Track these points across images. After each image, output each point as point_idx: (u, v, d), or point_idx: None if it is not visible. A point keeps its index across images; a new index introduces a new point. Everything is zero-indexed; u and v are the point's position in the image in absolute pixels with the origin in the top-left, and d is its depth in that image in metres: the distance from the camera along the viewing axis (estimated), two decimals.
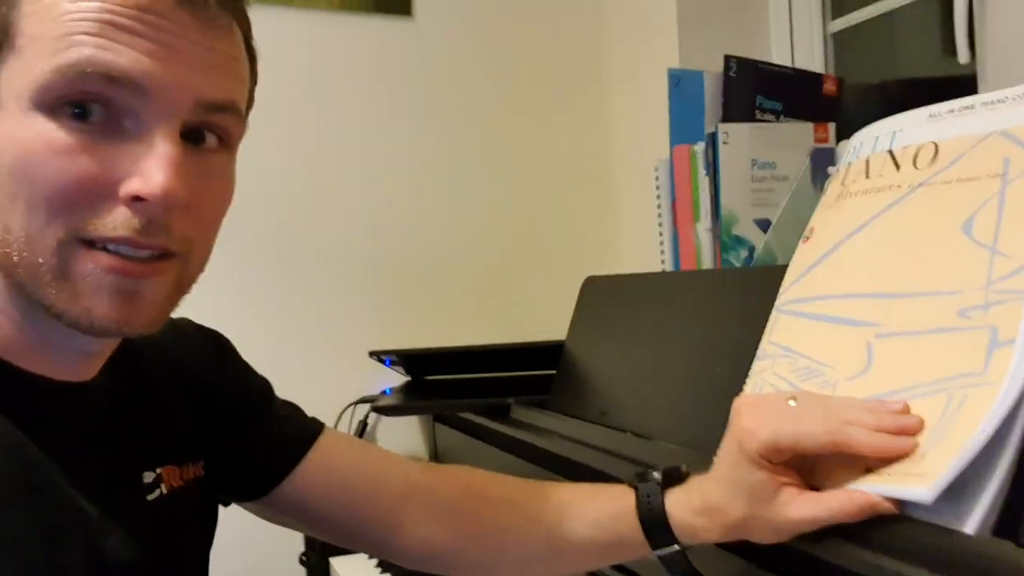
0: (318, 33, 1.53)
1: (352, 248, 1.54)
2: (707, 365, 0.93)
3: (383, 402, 1.28)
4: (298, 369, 1.46)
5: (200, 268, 0.59)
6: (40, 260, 0.52)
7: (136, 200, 0.52)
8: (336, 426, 1.41)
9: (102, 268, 0.52)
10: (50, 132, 0.50)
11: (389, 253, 1.55)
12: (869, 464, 0.57)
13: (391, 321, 1.54)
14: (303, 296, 1.50)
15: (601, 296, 1.21)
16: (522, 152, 1.66)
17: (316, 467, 0.76)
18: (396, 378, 1.47)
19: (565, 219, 1.67)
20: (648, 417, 0.97)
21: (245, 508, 0.78)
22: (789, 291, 0.76)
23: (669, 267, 1.46)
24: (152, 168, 0.51)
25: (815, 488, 0.60)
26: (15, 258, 0.53)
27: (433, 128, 1.60)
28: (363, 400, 1.43)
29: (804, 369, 0.69)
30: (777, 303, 0.76)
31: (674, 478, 0.68)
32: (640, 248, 1.60)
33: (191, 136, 0.54)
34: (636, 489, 0.69)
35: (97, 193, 0.52)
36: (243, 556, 1.37)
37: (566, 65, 1.70)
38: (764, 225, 1.32)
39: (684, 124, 1.38)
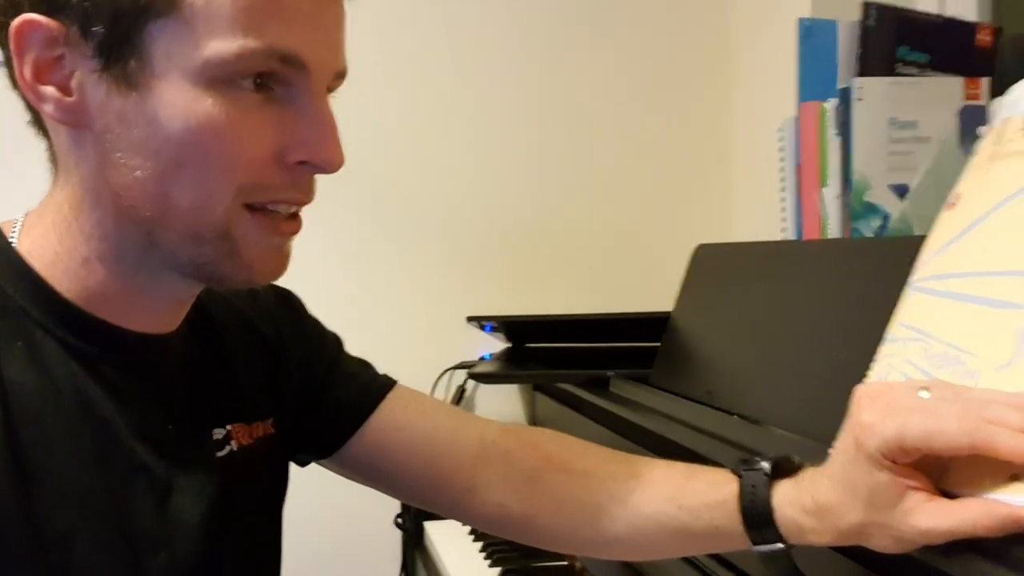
0: None
1: (454, 210, 1.50)
2: (829, 345, 0.84)
3: (480, 368, 1.25)
4: (397, 332, 1.45)
5: None
6: (205, 224, 0.54)
7: (302, 164, 0.55)
8: (433, 390, 1.39)
9: (266, 229, 0.56)
10: (223, 106, 0.52)
11: (493, 216, 1.51)
12: (1015, 471, 0.49)
13: (493, 286, 1.50)
14: (403, 258, 1.48)
15: (713, 266, 1.13)
16: (637, 110, 1.57)
17: (384, 425, 0.74)
18: (496, 344, 1.44)
19: (680, 182, 1.58)
20: (759, 400, 0.89)
21: (321, 466, 0.77)
22: (927, 265, 0.66)
23: (791, 236, 1.35)
24: (326, 140, 0.55)
25: (947, 494, 0.52)
26: (171, 221, 0.54)
27: (542, 86, 1.54)
28: (460, 366, 1.40)
29: (940, 355, 0.60)
30: (912, 279, 0.67)
31: (784, 469, 0.61)
32: (760, 216, 1.49)
33: None
34: (740, 477, 0.62)
35: (268, 162, 0.54)
36: (339, 517, 1.39)
37: (687, 15, 1.59)
38: (901, 191, 1.20)
39: (814, 79, 1.26)
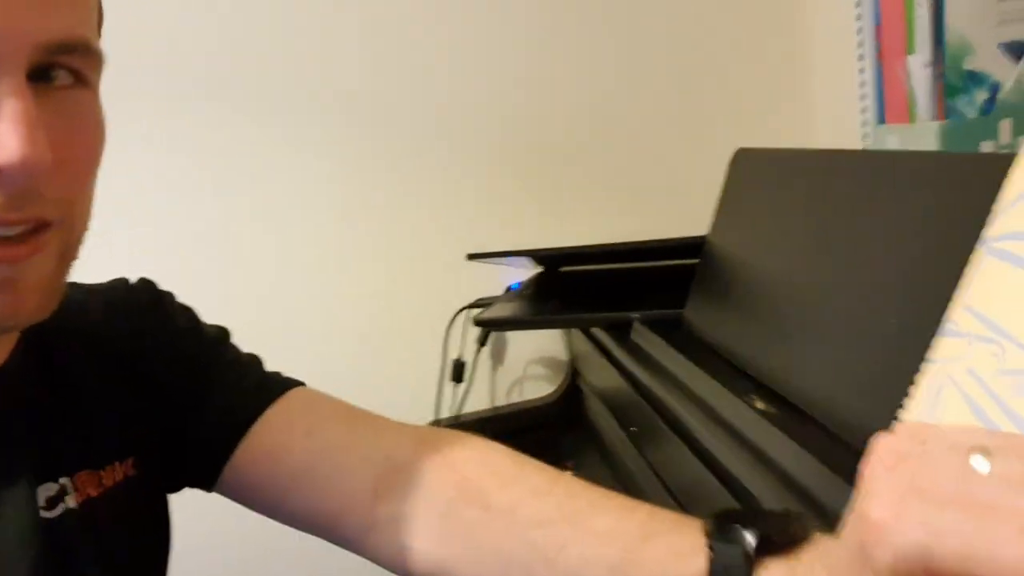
0: None
1: (468, 126, 1.28)
2: (897, 299, 0.60)
3: (489, 314, 1.07)
4: (408, 268, 1.28)
5: (84, 228, 0.49)
6: None
7: None
8: (448, 333, 1.22)
9: None
10: None
11: (512, 128, 1.28)
12: None
13: (517, 210, 1.29)
14: (410, 186, 1.28)
15: (755, 177, 0.88)
16: None
17: (259, 448, 0.59)
18: (526, 273, 1.25)
19: (739, 54, 1.29)
20: (796, 369, 0.67)
21: None
22: (1007, 215, 0.42)
23: (871, 117, 1.08)
24: (3, 133, 0.41)
25: None
26: None
27: None
28: (477, 303, 1.21)
29: (1018, 373, 0.37)
30: (985, 234, 0.43)
31: (773, 544, 0.42)
32: (834, 92, 1.20)
33: (38, 74, 0.44)
34: (712, 551, 0.43)
35: None
36: None
37: None
38: (1017, 50, 0.90)
39: None
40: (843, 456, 0.53)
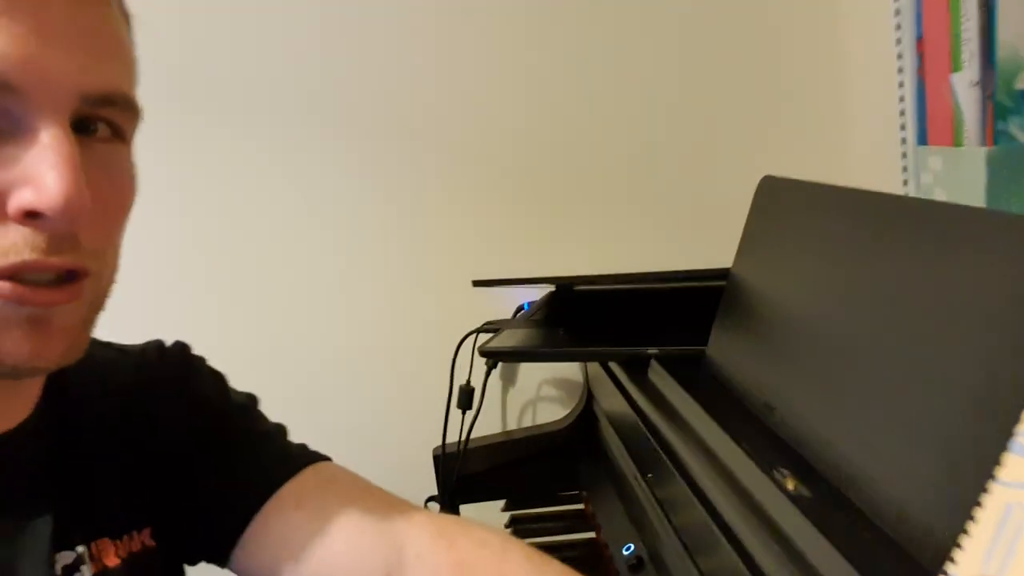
0: None
1: (480, 148, 1.22)
2: (955, 382, 0.53)
3: (493, 344, 1.01)
4: (423, 288, 1.22)
5: (112, 281, 0.49)
6: None
7: (31, 215, 0.42)
8: (456, 357, 1.16)
9: (8, 299, 0.43)
10: None
11: (525, 151, 1.22)
12: None
13: (529, 233, 1.23)
14: (425, 203, 1.22)
15: (784, 209, 0.81)
16: None
17: (270, 527, 0.58)
18: (538, 292, 1.19)
19: (768, 70, 1.22)
20: (831, 438, 0.60)
21: None
22: None
23: (911, 138, 1.00)
24: (46, 173, 0.42)
25: None
26: None
27: None
28: (486, 328, 1.15)
29: None
30: None
31: None
32: (871, 110, 1.13)
33: (79, 126, 0.45)
34: None
35: None
36: None
37: None
38: None
39: None
40: (886, 559, 0.47)
